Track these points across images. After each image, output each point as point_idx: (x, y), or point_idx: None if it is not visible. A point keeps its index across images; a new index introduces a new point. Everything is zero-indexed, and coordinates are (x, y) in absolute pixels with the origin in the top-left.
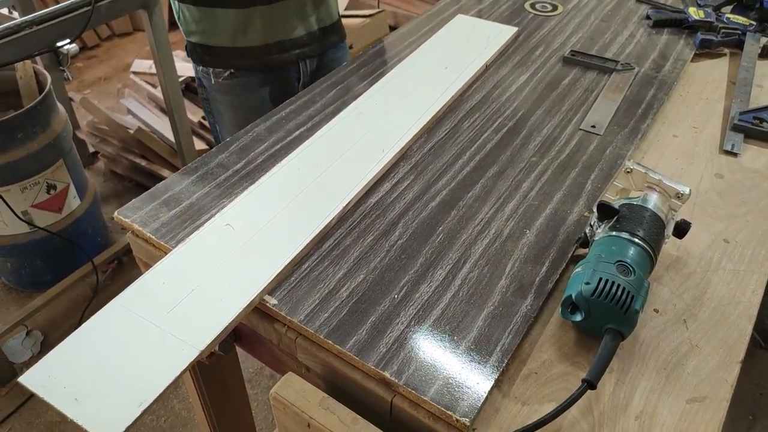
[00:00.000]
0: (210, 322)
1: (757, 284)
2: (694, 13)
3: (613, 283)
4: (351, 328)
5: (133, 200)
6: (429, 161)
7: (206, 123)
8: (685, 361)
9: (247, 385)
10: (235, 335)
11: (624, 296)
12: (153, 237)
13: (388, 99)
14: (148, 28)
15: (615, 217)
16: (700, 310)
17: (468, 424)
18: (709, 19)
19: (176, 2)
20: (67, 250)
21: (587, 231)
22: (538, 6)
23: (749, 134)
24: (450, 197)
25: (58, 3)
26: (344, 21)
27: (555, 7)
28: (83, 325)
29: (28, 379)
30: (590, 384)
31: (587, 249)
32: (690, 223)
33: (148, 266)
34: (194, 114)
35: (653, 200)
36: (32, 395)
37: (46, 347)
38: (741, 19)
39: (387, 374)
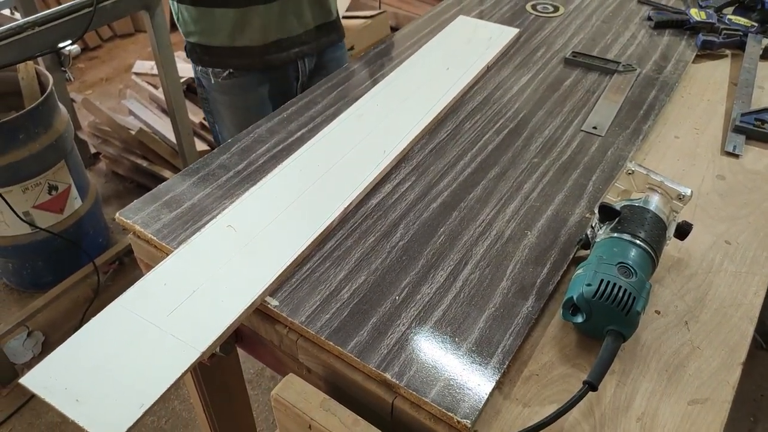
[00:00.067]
0: (211, 324)
1: (758, 286)
2: (696, 15)
3: (614, 284)
4: (352, 330)
5: (135, 201)
6: (430, 162)
7: (207, 124)
8: (687, 363)
9: (248, 386)
10: (237, 336)
11: (625, 298)
12: (154, 238)
13: (389, 100)
14: (150, 29)
15: (616, 219)
16: (702, 311)
17: (469, 425)
18: (710, 21)
19: (175, 3)
20: (68, 250)
21: (588, 232)
22: (539, 7)
23: (751, 136)
24: (451, 198)
25: (60, 4)
26: (345, 22)
27: (556, 9)
28: (84, 326)
29: (29, 380)
30: (591, 386)
31: (588, 251)
32: (691, 225)
33: (149, 267)
34: (195, 115)
35: (655, 202)
36: (33, 396)
37: (47, 348)
38: (742, 21)
39: (388, 376)
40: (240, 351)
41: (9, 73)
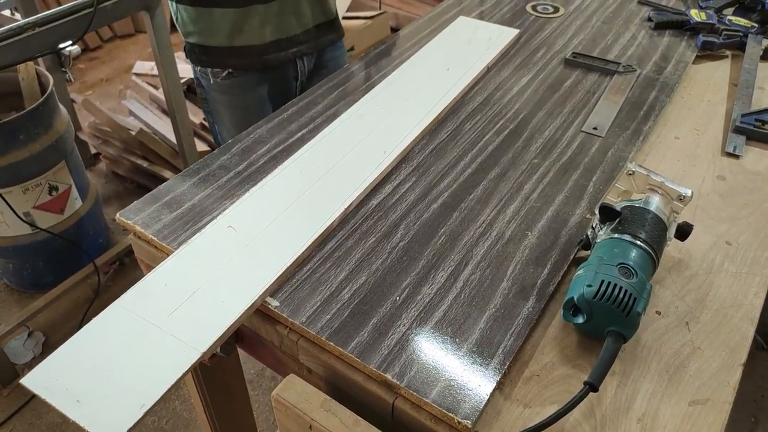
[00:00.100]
0: (212, 324)
1: (759, 287)
2: (696, 15)
3: (615, 285)
4: (353, 330)
5: (135, 202)
6: (431, 163)
7: (207, 124)
8: (687, 364)
9: (248, 387)
10: (237, 337)
11: (626, 299)
12: (155, 239)
13: (389, 101)
14: (150, 30)
15: (617, 220)
16: (702, 312)
17: (470, 426)
18: (710, 21)
19: (173, 3)
20: (68, 251)
21: (589, 233)
22: (539, 8)
23: (751, 136)
24: (452, 199)
25: (60, 5)
26: (346, 23)
27: (557, 9)
28: (85, 327)
29: (29, 380)
30: (592, 386)
31: (589, 251)
32: (692, 226)
33: (149, 268)
34: (196, 115)
35: (655, 202)
36: (34, 396)
37: (47, 348)
38: (743, 21)
39: (389, 376)
40: (240, 351)
41: (9, 73)
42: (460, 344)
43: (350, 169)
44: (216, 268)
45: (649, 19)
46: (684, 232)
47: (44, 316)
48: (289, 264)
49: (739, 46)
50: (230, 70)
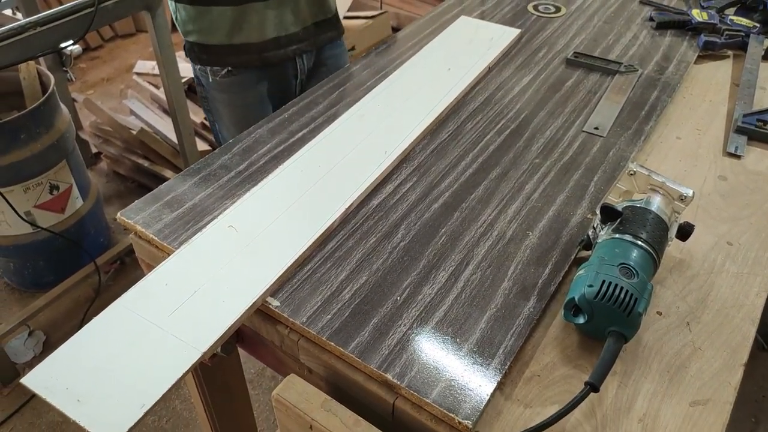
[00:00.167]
0: (212, 324)
1: (760, 287)
2: (698, 15)
3: (616, 285)
4: (353, 330)
5: (136, 201)
6: (432, 163)
7: (208, 124)
8: (688, 364)
9: (248, 386)
10: (238, 337)
11: (627, 299)
12: (156, 238)
13: (390, 101)
14: (151, 29)
15: (618, 220)
16: (704, 312)
17: (470, 426)
18: (712, 21)
19: (173, 2)
20: (69, 250)
21: (590, 233)
22: (541, 8)
23: (753, 136)
24: (452, 199)
25: (61, 4)
26: (347, 22)
27: (558, 9)
28: (86, 327)
29: (30, 380)
30: (593, 387)
31: (590, 251)
32: (693, 226)
33: (150, 267)
34: (197, 115)
35: (656, 202)
36: (34, 395)
37: (48, 347)
38: (744, 21)
39: (389, 376)
40: (241, 351)
41: (10, 73)
42: (461, 344)
43: (351, 168)
44: (217, 267)
45: (651, 19)
46: (685, 232)
47: (45, 315)
48: (289, 264)
49: (741, 46)
50: (230, 68)
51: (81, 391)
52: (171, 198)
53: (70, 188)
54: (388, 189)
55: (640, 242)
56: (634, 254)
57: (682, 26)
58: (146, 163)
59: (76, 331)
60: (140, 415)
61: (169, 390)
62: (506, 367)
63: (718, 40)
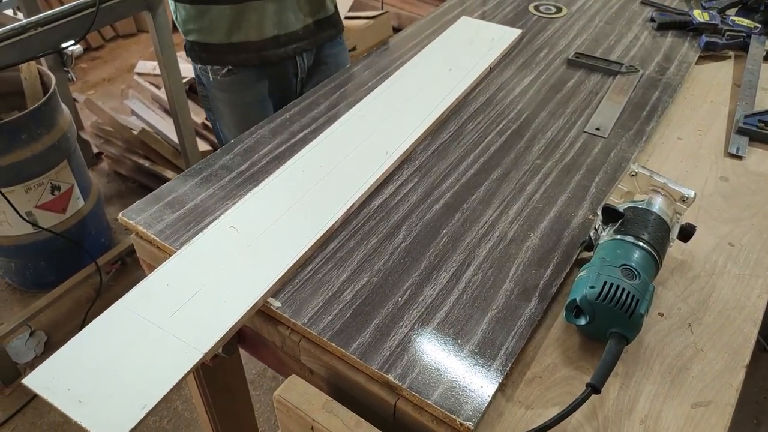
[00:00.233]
0: (214, 325)
1: (762, 288)
2: (699, 16)
3: (617, 287)
4: (355, 331)
5: (138, 202)
6: (433, 164)
7: (209, 124)
8: (690, 366)
9: (249, 387)
10: (239, 337)
11: (629, 300)
12: (157, 239)
13: (391, 101)
14: (152, 30)
15: (620, 221)
16: (705, 314)
17: (472, 427)
18: (713, 22)
19: (173, 2)
20: (70, 250)
21: (592, 234)
22: (542, 8)
23: (754, 137)
24: (454, 200)
25: (62, 4)
26: (348, 22)
27: (559, 9)
28: (87, 327)
29: (31, 380)
30: (594, 388)
31: (592, 252)
32: (695, 227)
33: (152, 268)
34: (198, 115)
35: (658, 203)
36: (36, 395)
37: (49, 348)
38: (746, 22)
39: (391, 377)
40: (242, 352)
41: (12, 73)
42: (462, 345)
43: (352, 169)
44: (218, 268)
45: (652, 20)
46: (687, 233)
47: (46, 315)
48: (291, 264)
49: (742, 47)
50: (230, 67)
51: (82, 392)
52: (172, 198)
53: (71, 188)
54: (389, 190)
55: (641, 243)
56: (636, 255)
57: (684, 27)
58: (147, 164)
59: (78, 331)
60: (141, 416)
61: (171, 391)
62: (508, 368)
63: (719, 40)
